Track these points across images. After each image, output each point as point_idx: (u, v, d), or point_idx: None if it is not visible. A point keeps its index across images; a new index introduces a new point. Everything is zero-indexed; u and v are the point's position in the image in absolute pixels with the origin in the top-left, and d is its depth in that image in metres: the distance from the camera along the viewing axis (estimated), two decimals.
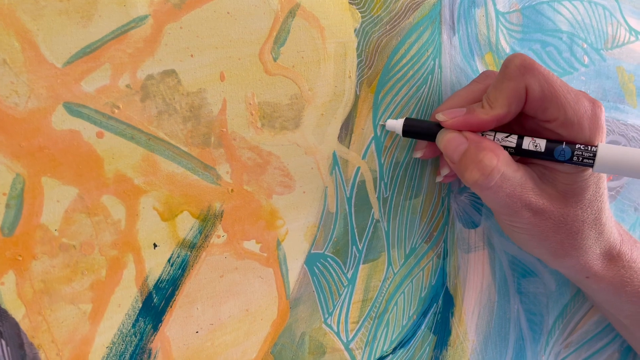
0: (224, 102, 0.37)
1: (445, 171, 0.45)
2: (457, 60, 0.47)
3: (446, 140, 0.40)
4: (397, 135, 0.44)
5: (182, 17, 0.35)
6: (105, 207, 0.33)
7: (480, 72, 0.44)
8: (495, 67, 0.49)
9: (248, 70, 0.37)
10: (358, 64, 0.42)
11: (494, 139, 0.39)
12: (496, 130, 0.40)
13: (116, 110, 0.33)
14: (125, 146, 0.34)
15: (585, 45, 0.52)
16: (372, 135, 0.43)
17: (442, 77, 0.46)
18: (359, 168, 0.43)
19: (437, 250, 0.47)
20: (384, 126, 0.44)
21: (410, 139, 0.45)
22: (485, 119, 0.39)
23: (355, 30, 0.41)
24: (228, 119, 0.37)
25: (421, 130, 0.42)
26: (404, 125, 0.42)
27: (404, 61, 0.44)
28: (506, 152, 0.38)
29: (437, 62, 0.46)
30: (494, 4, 0.48)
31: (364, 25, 0.42)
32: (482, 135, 0.40)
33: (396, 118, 0.44)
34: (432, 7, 0.45)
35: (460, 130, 0.40)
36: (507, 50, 0.49)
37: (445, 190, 0.48)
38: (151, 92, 0.34)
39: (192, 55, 0.35)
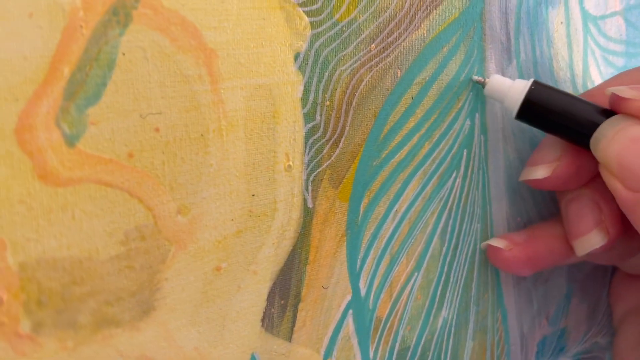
0: None
1: (597, 239, 0.21)
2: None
3: (632, 137, 0.19)
4: (409, 283, 0.19)
5: None
6: None
7: None
8: None
9: None
10: (308, 137, 0.18)
11: None
12: None
13: None
14: None
15: None
16: (349, 297, 0.19)
17: (488, 152, 0.22)
18: None
19: None
20: (478, 84, 0.21)
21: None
22: None
23: (297, 56, 0.17)
24: None
25: (566, 110, 0.20)
26: (531, 91, 0.20)
27: (412, 123, 0.20)
28: None
29: (477, 121, 0.22)
30: (580, 1, 0.24)
31: (317, 44, 0.18)
32: None
33: (395, 258, 0.20)
34: (467, 4, 0.21)
35: None
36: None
37: None
38: None
39: None
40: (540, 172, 0.22)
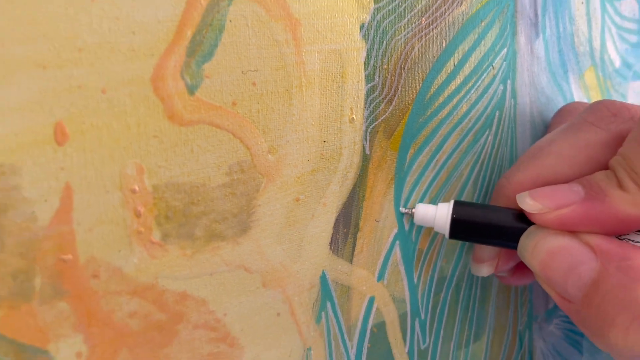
0: (66, 193, 0.16)
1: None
2: (542, 82, 0.26)
3: (548, 251, 0.19)
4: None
5: None
6: None
7: (591, 104, 0.23)
8: (598, 90, 0.28)
9: (126, 117, 0.16)
10: (368, 95, 0.21)
11: None
12: None
13: None
14: None
15: None
16: (395, 230, 0.22)
17: (517, 114, 0.26)
18: (372, 300, 0.22)
19: None
20: (410, 218, 0.23)
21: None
22: (633, 215, 0.18)
23: (362, 26, 0.21)
24: (78, 230, 0.16)
25: (487, 227, 0.21)
26: (454, 215, 0.21)
27: (453, 86, 0.23)
28: None
29: (508, 87, 0.25)
30: None
31: (378, 17, 0.21)
32: (620, 239, 0.19)
33: (433, 200, 0.23)
34: None
35: (573, 231, 0.19)
36: (617, 63, 0.28)
37: (523, 319, 0.27)
38: None
39: None
40: (484, 270, 0.24)
